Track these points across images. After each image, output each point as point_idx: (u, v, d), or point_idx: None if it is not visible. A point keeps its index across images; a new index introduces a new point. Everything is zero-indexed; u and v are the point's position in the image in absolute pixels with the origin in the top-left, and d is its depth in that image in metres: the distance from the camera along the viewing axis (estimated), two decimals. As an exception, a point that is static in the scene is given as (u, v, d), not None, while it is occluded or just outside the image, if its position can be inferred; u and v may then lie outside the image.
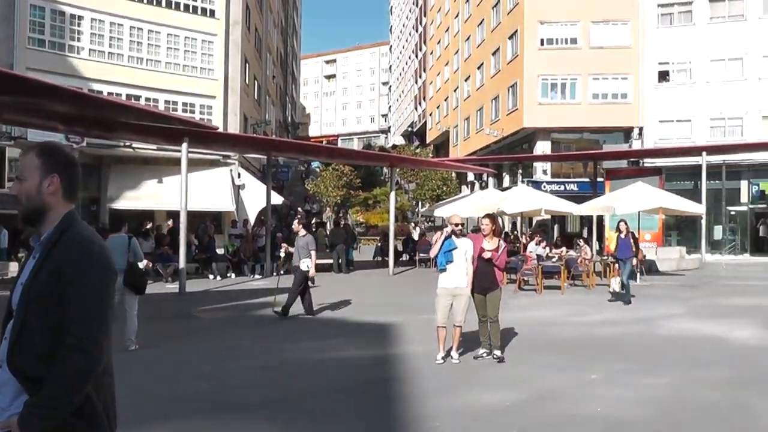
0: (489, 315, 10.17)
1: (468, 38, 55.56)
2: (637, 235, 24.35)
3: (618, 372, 9.40)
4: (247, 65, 36.04)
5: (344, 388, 8.53)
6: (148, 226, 25.03)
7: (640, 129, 41.20)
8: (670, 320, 14.15)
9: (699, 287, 21.13)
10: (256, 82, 40.20)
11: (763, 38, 39.55)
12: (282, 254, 15.69)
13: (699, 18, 40.99)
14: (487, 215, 10.63)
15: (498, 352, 10.15)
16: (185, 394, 8.29)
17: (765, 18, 39.95)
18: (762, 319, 14.03)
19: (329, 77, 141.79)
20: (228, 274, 23.96)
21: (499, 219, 16.80)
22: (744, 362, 10.10)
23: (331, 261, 26.33)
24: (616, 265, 17.94)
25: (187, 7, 32.48)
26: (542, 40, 41.52)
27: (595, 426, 7.02)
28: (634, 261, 17.97)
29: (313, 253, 14.30)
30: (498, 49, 46.90)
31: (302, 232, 14.49)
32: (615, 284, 17.53)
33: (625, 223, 17.93)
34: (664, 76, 41.41)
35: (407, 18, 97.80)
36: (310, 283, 14.55)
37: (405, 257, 31.79)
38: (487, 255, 10.05)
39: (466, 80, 56.07)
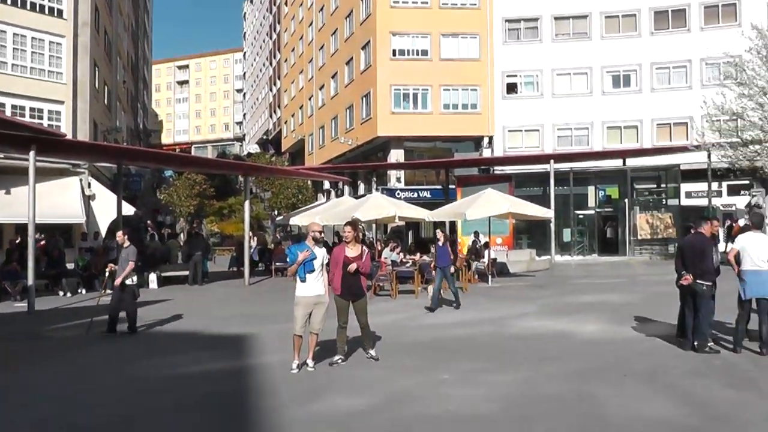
0: (359, 322, 10.28)
1: (322, 47, 55.81)
2: (488, 240, 25.40)
3: (469, 371, 9.60)
4: (96, 69, 34.44)
5: (197, 404, 8.22)
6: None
7: (490, 138, 42.93)
8: (520, 319, 14.66)
9: (549, 287, 22.07)
10: (106, 87, 38.50)
11: (606, 55, 42.36)
12: (107, 272, 14.69)
13: (545, 34, 43.32)
14: (349, 222, 10.66)
15: (373, 352, 10.46)
16: (29, 418, 7.72)
17: (607, 37, 42.76)
18: (608, 315, 14.80)
19: (182, 83, 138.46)
20: (79, 290, 22.70)
21: (361, 226, 16.87)
22: (590, 355, 10.60)
23: (185, 273, 25.51)
24: (435, 271, 17.53)
25: (33, 6, 30.61)
26: (394, 51, 42.44)
27: (445, 425, 7.13)
28: (452, 269, 17.78)
29: (131, 263, 13.66)
30: (351, 58, 47.43)
31: (126, 243, 13.86)
32: (429, 293, 17.66)
33: (442, 231, 17.82)
34: (512, 88, 43.39)
35: (261, 25, 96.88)
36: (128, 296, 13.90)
37: (261, 266, 31.38)
38: (352, 268, 10.07)
39: (320, 89, 56.27)
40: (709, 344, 10.55)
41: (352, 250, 10.28)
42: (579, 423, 7.11)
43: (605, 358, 10.34)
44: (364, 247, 10.52)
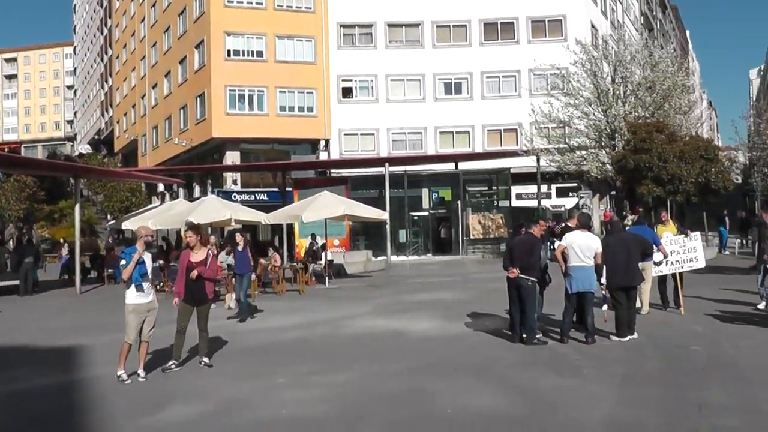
0: (199, 326, 10.06)
1: (155, 44, 53.72)
2: (325, 242, 25.38)
3: (304, 373, 9.47)
4: None
5: (23, 424, 7.59)
6: None
7: (327, 141, 43.06)
8: (356, 319, 14.70)
9: (384, 287, 22.36)
10: None
11: (438, 63, 43.58)
12: None
13: (379, 41, 43.98)
14: (190, 227, 10.39)
15: (207, 359, 10.12)
16: None
17: (439, 45, 44.03)
18: (441, 312, 15.13)
19: (10, 77, 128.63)
20: None
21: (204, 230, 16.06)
22: (423, 352, 10.77)
23: (15, 282, 23.50)
24: (235, 278, 16.73)
25: None
26: (229, 51, 41.59)
27: (280, 429, 6.99)
28: (253, 276, 16.71)
29: None
30: (185, 57, 46.02)
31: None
32: (231, 300, 17.40)
33: (242, 235, 16.38)
34: (348, 92, 43.73)
35: (92, 19, 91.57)
36: None
37: (93, 274, 29.69)
38: (194, 274, 9.80)
39: (153, 87, 54.16)
40: (536, 336, 11.02)
41: (196, 255, 10.05)
42: (411, 419, 7.16)
43: (437, 354, 10.54)
44: (211, 252, 10.24)
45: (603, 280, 11.48)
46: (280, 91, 42.04)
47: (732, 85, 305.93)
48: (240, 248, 16.26)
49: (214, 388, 8.78)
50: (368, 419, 7.18)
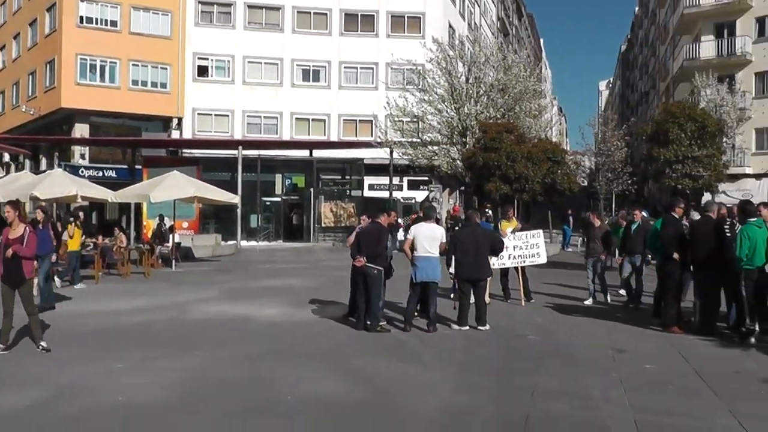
0: (25, 309, 9.48)
1: (3, 2, 49.78)
2: (173, 224, 24.62)
3: (145, 359, 9.15)
4: None
5: None
6: None
7: (179, 119, 41.76)
8: (202, 304, 14.39)
9: (233, 271, 22.04)
10: None
11: (297, 49, 43.18)
12: None
13: (238, 21, 43.05)
14: (9, 202, 9.90)
15: (44, 344, 9.57)
16: None
17: (299, 31, 43.63)
18: (288, 298, 15.07)
19: None
20: None
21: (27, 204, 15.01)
22: (268, 338, 10.69)
23: None
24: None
25: None
26: (82, 18, 39.28)
27: (117, 415, 6.70)
28: (54, 257, 15.03)
29: None
30: (35, 20, 42.94)
31: None
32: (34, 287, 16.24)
33: (43, 211, 14.67)
34: (203, 71, 42.57)
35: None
36: None
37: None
38: (9, 252, 9.27)
39: (1, 49, 50.29)
40: (380, 324, 11.19)
41: (14, 232, 9.51)
42: (250, 406, 7.07)
43: (282, 340, 10.49)
44: (28, 228, 9.64)
45: (452, 270, 11.84)
46: (133, 64, 40.20)
47: (582, 95, 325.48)
48: (41, 226, 13.99)
49: (50, 374, 8.33)
50: (206, 406, 7.03)
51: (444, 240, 11.36)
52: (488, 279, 12.42)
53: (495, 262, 13.99)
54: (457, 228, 16.74)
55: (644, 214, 17.04)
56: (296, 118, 43.57)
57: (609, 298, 14.89)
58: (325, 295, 15.26)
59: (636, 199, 57.12)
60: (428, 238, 11.23)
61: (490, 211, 26.90)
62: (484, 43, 36.68)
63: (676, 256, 11.35)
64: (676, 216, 11.82)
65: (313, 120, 43.84)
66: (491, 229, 13.99)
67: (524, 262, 14.77)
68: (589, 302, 14.66)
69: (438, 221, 11.96)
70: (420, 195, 41.02)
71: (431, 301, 11.23)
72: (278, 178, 39.03)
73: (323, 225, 37.83)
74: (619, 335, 11.08)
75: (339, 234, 37.12)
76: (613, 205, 47.47)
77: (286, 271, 21.95)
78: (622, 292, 15.36)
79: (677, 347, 10.01)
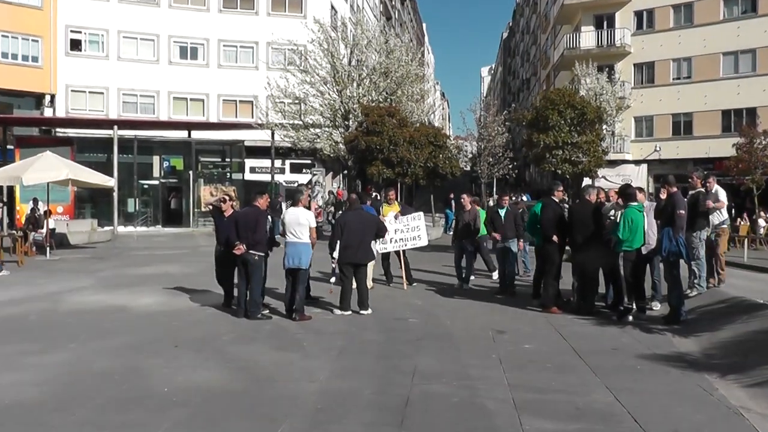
0: None
1: None
2: (48, 208, 23.52)
3: (15, 354, 8.73)
4: None
5: None
6: None
7: (52, 96, 39.85)
8: (77, 294, 13.88)
9: (109, 259, 21.34)
10: None
11: (174, 25, 42.00)
12: None
13: (111, -8, 41.39)
14: None
15: None
16: None
17: (176, 6, 42.45)
18: (166, 286, 14.73)
19: None
20: None
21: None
22: (144, 328, 10.43)
23: None
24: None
25: None
26: (-60, -16, 36.67)
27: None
28: None
29: None
30: None
31: None
32: None
33: None
34: (76, 44, 40.75)
35: None
36: None
37: None
38: None
39: None
40: (261, 312, 11.12)
41: None
42: (126, 398, 6.91)
43: (159, 330, 10.28)
44: None
45: (335, 254, 11.89)
46: (2, 36, 37.85)
47: (465, 81, 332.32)
48: None
49: None
50: (81, 401, 6.80)
51: (313, 225, 11.34)
52: (371, 263, 12.57)
53: (377, 247, 14.17)
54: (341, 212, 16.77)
55: (525, 198, 17.68)
56: (174, 98, 42.48)
57: (469, 285, 15.16)
58: (205, 283, 14.95)
59: (516, 184, 59.19)
60: (295, 224, 11.21)
61: (377, 194, 27.12)
62: (367, 26, 36.75)
63: (555, 238, 11.84)
64: (556, 200, 12.31)
65: (191, 100, 42.87)
66: (371, 211, 14.03)
67: (406, 245, 15.03)
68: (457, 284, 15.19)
69: (306, 206, 11.83)
70: (302, 178, 40.91)
71: (296, 289, 11.18)
72: (156, 160, 37.85)
73: (203, 209, 37.06)
74: (499, 317, 11.48)
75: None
76: (494, 189, 48.89)
77: (164, 258, 21.43)
78: (495, 276, 15.85)
79: (556, 327, 10.47)
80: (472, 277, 15.49)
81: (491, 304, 12.76)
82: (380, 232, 12.39)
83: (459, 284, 14.99)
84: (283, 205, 22.93)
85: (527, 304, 12.38)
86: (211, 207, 12.79)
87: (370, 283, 14.00)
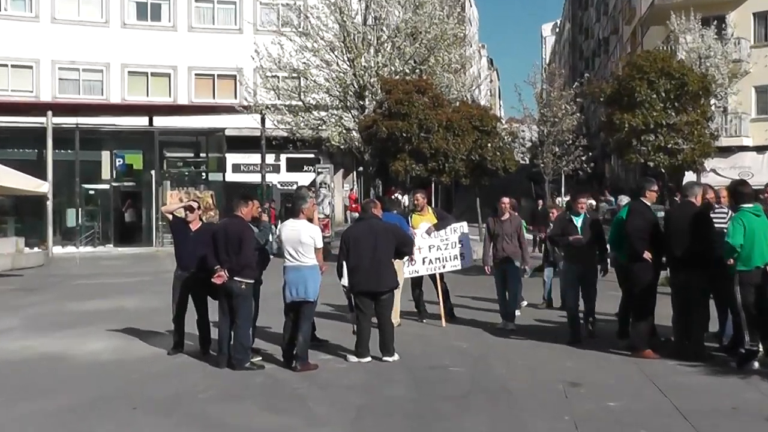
0: None
1: None
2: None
3: None
4: None
5: None
6: None
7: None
8: (-3, 337, 13.98)
9: (43, 290, 21.50)
10: None
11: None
12: None
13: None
14: None
15: None
16: None
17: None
18: (122, 326, 14.72)
19: None
20: None
21: None
22: (92, 383, 10.46)
23: None
24: None
25: None
26: None
27: None
28: None
29: None
30: None
31: None
32: None
33: None
34: (-4, 3, 41.13)
35: None
36: None
37: None
38: None
39: None
40: (251, 359, 11.10)
41: None
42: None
43: (112, 386, 10.30)
44: None
45: (344, 281, 11.83)
46: None
47: (520, 43, 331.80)
48: None
49: None
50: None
51: (320, 244, 11.26)
52: (395, 291, 12.48)
53: (406, 269, 14.08)
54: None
55: (623, 199, 17.55)
56: (129, 72, 42.76)
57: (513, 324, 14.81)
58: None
59: (591, 181, 58.94)
60: (295, 242, 11.10)
61: (397, 196, 27.08)
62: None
63: (646, 255, 11.67)
64: (647, 202, 12.10)
65: (153, 75, 43.15)
66: (399, 221, 13.83)
67: (444, 267, 14.94)
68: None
69: (310, 217, 11.72)
70: (303, 179, 40.89)
71: (301, 327, 11.08)
72: (106, 156, 38.16)
73: (167, 222, 37.21)
74: (573, 363, 11.37)
75: (193, 233, 36.60)
76: (562, 189, 48.72)
77: (118, 288, 21.54)
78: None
79: (650, 377, 10.33)
80: (518, 311, 15.37)
81: (562, 347, 12.63)
82: (403, 246, 12.17)
83: (502, 324, 14.66)
84: (264, 217, 22.81)
85: (610, 346, 12.24)
86: (170, 217, 12.83)
87: (396, 320, 13.91)
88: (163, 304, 17.46)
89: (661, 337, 12.25)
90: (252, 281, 11.27)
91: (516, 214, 15.43)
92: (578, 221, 13.40)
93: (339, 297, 15.28)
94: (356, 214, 35.54)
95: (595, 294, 13.35)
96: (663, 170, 30.46)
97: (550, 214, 17.47)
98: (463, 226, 15.40)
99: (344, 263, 11.76)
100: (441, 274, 14.97)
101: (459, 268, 15.19)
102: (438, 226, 15.02)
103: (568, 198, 22.02)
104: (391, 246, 11.82)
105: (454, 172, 29.88)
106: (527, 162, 56.57)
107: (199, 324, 12.28)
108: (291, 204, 12.23)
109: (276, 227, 14.71)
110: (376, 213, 12.35)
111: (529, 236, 15.98)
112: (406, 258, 13.64)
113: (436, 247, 14.82)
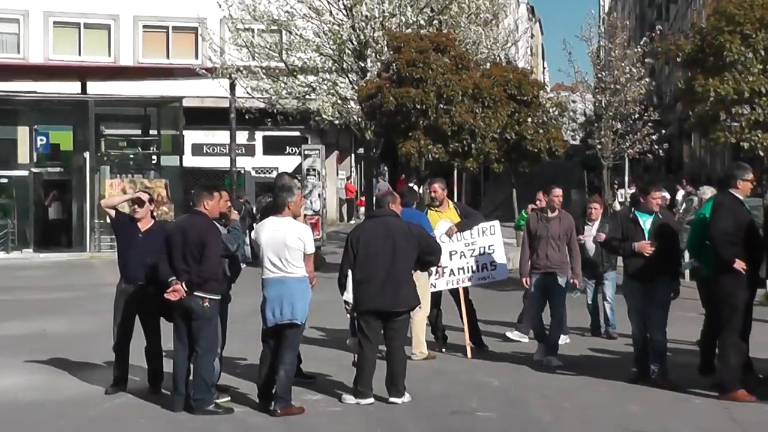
0: None
1: None
2: None
3: None
4: None
5: None
6: None
7: None
8: None
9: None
10: None
11: None
12: None
13: None
14: None
15: None
16: None
17: None
18: (44, 356, 14.73)
19: None
20: None
21: None
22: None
23: None
24: None
25: None
26: None
27: None
28: None
29: None
30: None
31: None
32: None
33: None
34: None
35: None
36: None
37: None
38: None
39: None
40: (216, 399, 11.09)
41: None
42: None
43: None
44: None
45: (348, 296, 11.71)
46: None
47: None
48: None
49: None
50: None
51: (311, 249, 11.21)
52: (418, 313, 12.46)
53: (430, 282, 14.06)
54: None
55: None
56: (55, 23, 42.89)
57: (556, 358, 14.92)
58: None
59: (663, 167, 58.85)
60: (278, 247, 11.02)
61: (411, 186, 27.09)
62: None
63: (738, 264, 11.58)
64: (739, 195, 12.01)
65: (86, 27, 43.30)
66: (421, 220, 13.67)
67: (469, 279, 14.92)
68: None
69: (297, 214, 11.58)
70: (286, 163, 40.88)
71: (283, 358, 11.03)
72: (23, 133, 38.23)
73: (109, 220, 37.18)
74: (638, 408, 11.37)
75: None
76: (626, 178, 48.58)
77: (40, 307, 21.63)
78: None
79: (744, 426, 10.33)
80: (566, 339, 15.39)
81: (623, 387, 12.60)
82: (428, 254, 12.02)
83: (539, 357, 14.47)
84: (235, 215, 22.84)
85: (689, 385, 12.22)
86: (112, 213, 12.75)
87: (422, 351, 13.90)
88: (101, 328, 17.51)
89: (759, 373, 12.21)
90: (218, 297, 11.17)
91: (565, 212, 15.30)
92: (646, 221, 12.93)
93: (333, 318, 15.32)
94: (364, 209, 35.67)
95: (664, 320, 12.86)
96: (761, 153, 30.27)
97: (590, 211, 17.12)
98: (494, 227, 15.32)
99: (350, 273, 11.53)
100: (465, 289, 14.95)
101: (489, 281, 15.19)
102: (461, 227, 14.94)
103: (633, 190, 21.94)
104: (412, 253, 11.69)
105: (484, 155, 29.89)
106: (578, 141, 56.51)
107: (148, 354, 12.15)
108: (272, 197, 11.95)
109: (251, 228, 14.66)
110: (395, 209, 12.09)
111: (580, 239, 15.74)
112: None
113: (459, 254, 14.74)
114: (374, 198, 12.88)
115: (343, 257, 11.78)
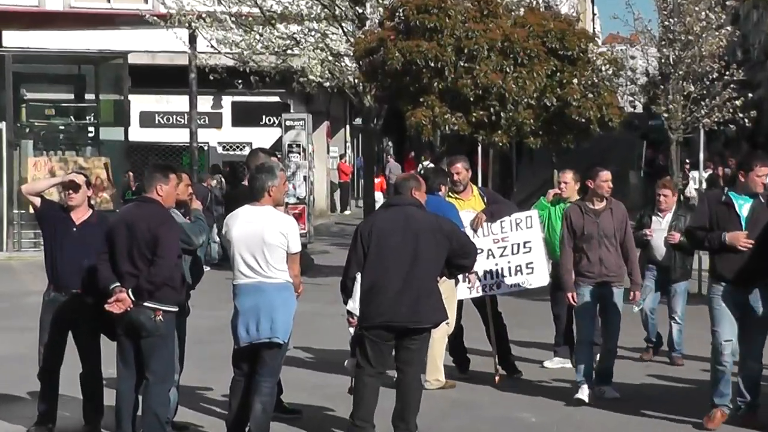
0: None
1: None
2: None
3: None
4: None
5: None
6: None
7: None
8: None
9: None
10: None
11: None
12: None
13: None
14: None
15: None
16: None
17: None
18: None
19: None
20: None
21: None
22: None
23: None
24: None
25: None
26: None
27: None
28: None
29: None
30: None
31: None
32: None
33: None
34: None
35: None
36: None
37: None
38: None
39: None
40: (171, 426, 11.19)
41: None
42: None
43: None
44: None
45: (352, 305, 11.66)
46: None
47: None
48: None
49: None
50: None
51: (297, 248, 11.16)
52: (440, 330, 12.50)
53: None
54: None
55: None
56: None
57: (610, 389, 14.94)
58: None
59: (747, 142, 59.15)
60: (254, 244, 10.99)
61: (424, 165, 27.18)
62: None
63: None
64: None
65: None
66: (450, 213, 13.55)
67: (499, 286, 14.96)
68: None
69: (279, 202, 11.46)
70: (263, 136, 41.01)
71: (259, 387, 11.02)
72: None
73: (32, 211, 37.29)
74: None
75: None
76: (701, 155, 48.49)
77: None
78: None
79: None
80: (565, 363, 15.48)
81: (691, 423, 12.67)
82: (461, 256, 11.78)
83: (578, 396, 14.18)
84: (197, 203, 23.01)
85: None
86: (37, 201, 12.67)
87: (439, 379, 13.95)
88: (23, 349, 17.71)
89: None
90: (174, 309, 11.15)
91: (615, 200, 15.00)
92: (744, 206, 12.52)
93: (324, 335, 15.40)
94: (380, 194, 35.78)
95: (763, 342, 12.69)
96: None
97: (659, 198, 16.88)
98: (531, 218, 15.29)
99: (358, 276, 11.38)
100: (494, 299, 14.97)
101: (525, 287, 15.22)
102: (491, 215, 14.89)
103: (709, 171, 21.87)
104: (440, 254, 11.49)
105: (516, 126, 29.82)
106: (640, 109, 56.51)
107: (84, 381, 12.09)
108: (248, 180, 11.73)
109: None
110: (419, 197, 11.86)
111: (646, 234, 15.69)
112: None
113: (486, 253, 14.71)
114: (386, 183, 12.69)
115: (350, 255, 11.56)
